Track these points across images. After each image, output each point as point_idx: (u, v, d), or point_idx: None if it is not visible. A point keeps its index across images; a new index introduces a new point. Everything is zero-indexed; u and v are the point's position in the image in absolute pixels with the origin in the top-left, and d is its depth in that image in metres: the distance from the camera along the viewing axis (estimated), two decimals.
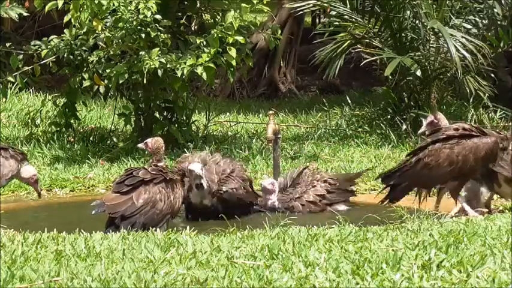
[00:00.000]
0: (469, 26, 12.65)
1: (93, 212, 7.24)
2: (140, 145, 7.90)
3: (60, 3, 10.91)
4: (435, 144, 7.75)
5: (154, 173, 7.39)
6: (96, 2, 10.67)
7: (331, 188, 8.70)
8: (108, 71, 10.99)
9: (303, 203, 8.60)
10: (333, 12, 12.91)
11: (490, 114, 12.80)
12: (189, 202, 8.37)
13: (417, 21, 12.57)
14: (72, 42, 11.31)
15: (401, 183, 7.83)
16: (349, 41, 12.80)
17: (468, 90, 12.36)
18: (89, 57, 11.30)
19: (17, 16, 11.77)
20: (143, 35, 10.80)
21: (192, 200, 8.36)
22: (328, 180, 8.73)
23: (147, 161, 10.76)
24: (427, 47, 12.51)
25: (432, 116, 8.23)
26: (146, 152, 8.25)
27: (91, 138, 11.94)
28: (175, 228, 6.80)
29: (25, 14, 12.01)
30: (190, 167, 8.35)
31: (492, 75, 13.02)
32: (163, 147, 7.73)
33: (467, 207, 7.75)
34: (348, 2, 12.64)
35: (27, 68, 11.56)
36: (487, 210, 8.01)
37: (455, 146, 7.69)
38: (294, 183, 8.73)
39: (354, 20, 12.67)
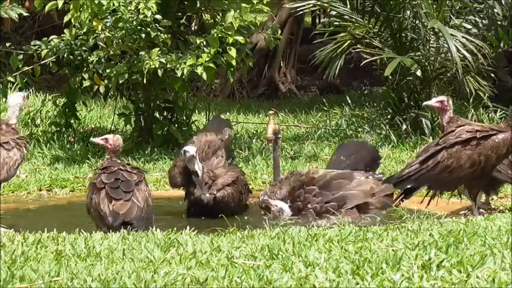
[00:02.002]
0: (469, 26, 12.62)
1: (115, 224, 7.15)
2: (97, 139, 7.67)
3: (60, 3, 10.91)
4: (454, 147, 7.70)
5: (134, 172, 7.46)
6: (96, 2, 10.66)
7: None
8: (108, 71, 10.98)
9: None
10: (333, 12, 12.89)
11: (490, 114, 12.78)
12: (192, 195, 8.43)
13: (417, 21, 12.54)
14: (72, 42, 11.30)
15: (420, 187, 7.78)
16: (349, 41, 12.78)
17: (468, 90, 12.33)
18: (89, 57, 11.29)
19: (17, 16, 11.74)
20: (143, 35, 10.79)
21: (196, 193, 8.40)
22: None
23: (147, 160, 10.77)
24: (427, 47, 12.50)
25: (446, 97, 8.21)
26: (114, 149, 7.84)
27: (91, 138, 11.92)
28: (175, 228, 6.79)
29: (25, 14, 11.99)
30: (185, 147, 8.30)
31: (492, 75, 12.99)
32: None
33: (476, 212, 7.75)
34: (348, 2, 12.62)
35: (27, 68, 11.54)
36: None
37: (475, 147, 7.67)
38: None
39: (354, 20, 12.65)
